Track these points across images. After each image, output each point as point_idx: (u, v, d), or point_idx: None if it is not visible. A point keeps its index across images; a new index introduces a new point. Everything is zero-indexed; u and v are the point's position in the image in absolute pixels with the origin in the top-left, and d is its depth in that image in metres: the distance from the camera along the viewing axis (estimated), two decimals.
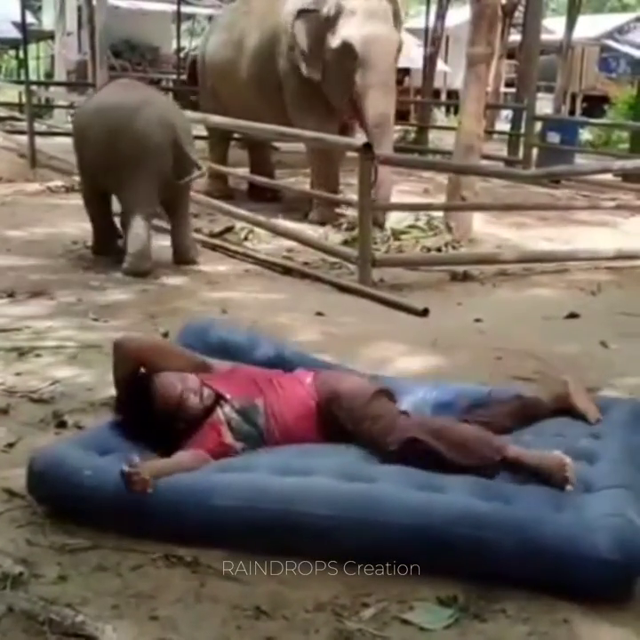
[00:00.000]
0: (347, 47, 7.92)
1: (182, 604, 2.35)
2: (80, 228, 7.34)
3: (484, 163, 8.38)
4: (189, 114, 7.58)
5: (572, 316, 5.40)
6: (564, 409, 3.25)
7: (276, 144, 10.95)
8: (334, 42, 8.03)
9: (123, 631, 2.20)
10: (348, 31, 7.95)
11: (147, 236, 6.19)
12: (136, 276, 6.08)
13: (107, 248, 6.68)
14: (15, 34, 17.39)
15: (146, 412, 3.01)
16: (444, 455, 2.78)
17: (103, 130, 6.17)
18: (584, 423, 3.17)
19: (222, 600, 2.37)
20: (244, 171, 9.62)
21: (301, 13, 8.16)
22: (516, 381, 4.07)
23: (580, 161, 12.25)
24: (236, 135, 10.08)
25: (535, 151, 12.52)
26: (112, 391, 3.31)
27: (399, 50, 8.28)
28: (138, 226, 6.14)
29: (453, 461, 2.77)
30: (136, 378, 3.10)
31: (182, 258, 6.55)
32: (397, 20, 8.35)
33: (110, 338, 4.57)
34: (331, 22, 8.07)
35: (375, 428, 2.93)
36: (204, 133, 9.86)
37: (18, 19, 15.84)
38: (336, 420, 3.03)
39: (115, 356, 3.16)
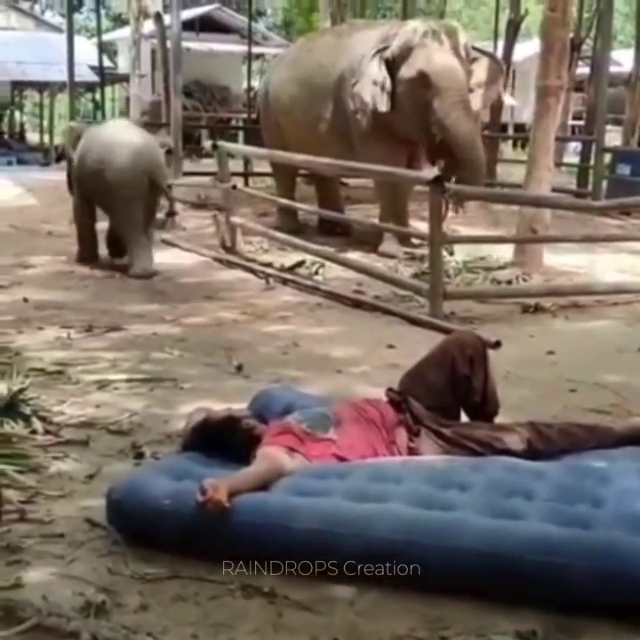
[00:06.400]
0: (421, 77, 8.08)
1: (260, 635, 2.36)
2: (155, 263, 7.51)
3: (555, 195, 8.29)
4: (271, 152, 7.80)
5: None
6: (637, 438, 3.23)
7: (345, 179, 11.05)
8: (408, 73, 8.20)
9: None
10: (421, 62, 8.14)
11: (148, 244, 7.53)
12: (146, 278, 7.25)
13: (92, 256, 7.99)
14: (92, 77, 18.02)
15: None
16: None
17: (95, 162, 7.50)
18: None
19: (300, 631, 2.37)
20: (312, 207, 9.72)
21: (376, 53, 8.34)
22: (591, 414, 4.02)
23: None
24: (301, 171, 10.20)
25: (605, 183, 12.38)
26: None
27: (470, 78, 8.40)
28: (137, 237, 7.42)
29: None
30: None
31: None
32: (466, 52, 8.42)
33: (184, 371, 4.71)
34: (402, 56, 8.26)
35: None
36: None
37: (94, 63, 16.40)
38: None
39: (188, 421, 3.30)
